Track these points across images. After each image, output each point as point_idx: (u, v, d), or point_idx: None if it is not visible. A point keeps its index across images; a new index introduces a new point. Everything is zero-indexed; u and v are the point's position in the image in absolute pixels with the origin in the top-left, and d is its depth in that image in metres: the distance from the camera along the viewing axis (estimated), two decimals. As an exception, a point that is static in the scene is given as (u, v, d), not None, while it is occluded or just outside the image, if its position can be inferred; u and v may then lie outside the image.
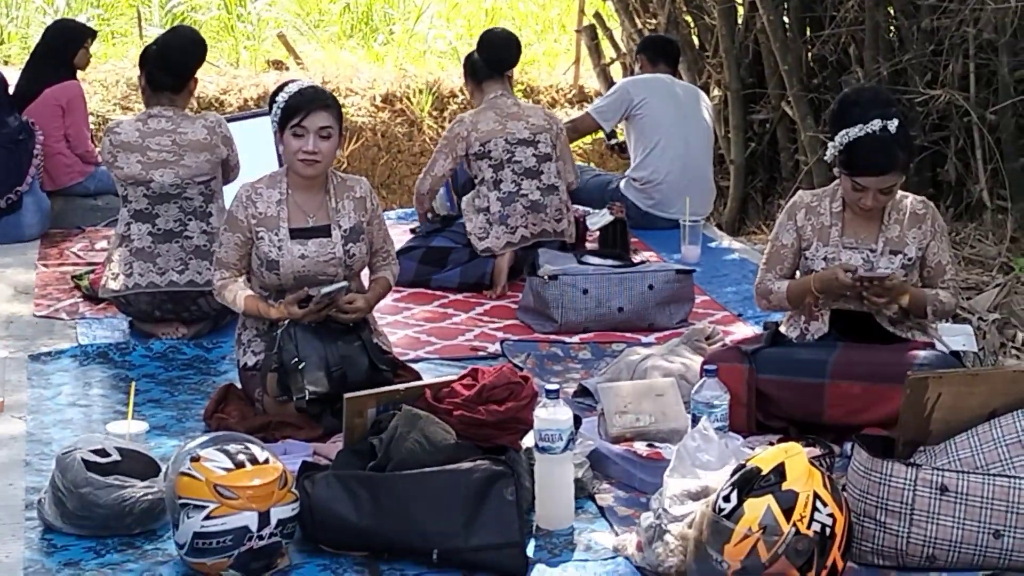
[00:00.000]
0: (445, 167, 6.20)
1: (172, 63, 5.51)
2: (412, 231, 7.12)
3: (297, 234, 4.57)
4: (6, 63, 10.13)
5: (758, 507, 3.27)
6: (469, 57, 6.42)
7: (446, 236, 6.24)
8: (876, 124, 4.32)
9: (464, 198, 6.26)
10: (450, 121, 10.15)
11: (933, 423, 3.68)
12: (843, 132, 4.36)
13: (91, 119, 7.95)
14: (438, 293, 6.11)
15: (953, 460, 3.60)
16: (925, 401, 3.66)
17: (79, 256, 6.64)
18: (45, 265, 6.50)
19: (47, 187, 7.18)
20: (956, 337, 4.99)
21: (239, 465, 3.50)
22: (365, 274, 4.79)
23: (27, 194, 6.93)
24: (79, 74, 7.49)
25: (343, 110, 4.71)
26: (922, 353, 4.30)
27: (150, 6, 11.64)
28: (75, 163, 7.31)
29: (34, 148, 6.95)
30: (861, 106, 4.40)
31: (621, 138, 7.82)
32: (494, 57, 6.30)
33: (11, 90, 7.18)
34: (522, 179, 6.12)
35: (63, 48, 7.30)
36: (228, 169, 5.60)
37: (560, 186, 6.21)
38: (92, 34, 7.55)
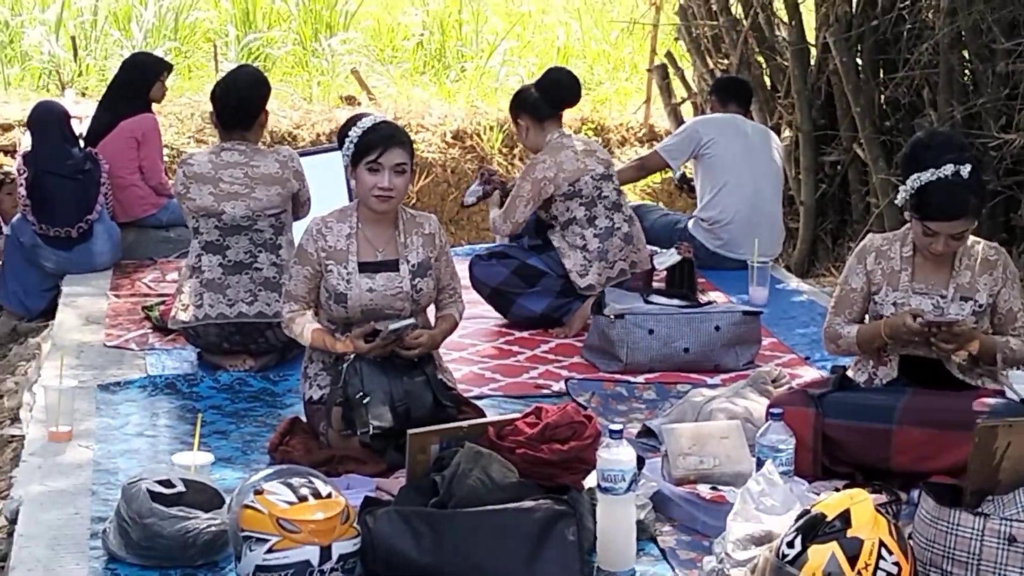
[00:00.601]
0: (526, 213, 6.16)
1: (237, 103, 5.58)
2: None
3: (366, 268, 4.60)
4: (83, 95, 10.28)
5: (822, 554, 3.24)
6: (526, 95, 6.29)
7: (543, 259, 6.17)
8: (948, 169, 4.28)
9: (555, 237, 6.20)
10: (521, 159, 10.22)
11: (1002, 472, 3.63)
12: (915, 176, 4.32)
13: (165, 152, 8.06)
14: (503, 330, 6.11)
15: (1022, 510, 3.55)
16: (994, 450, 3.61)
17: (150, 287, 6.71)
18: (116, 295, 6.58)
19: (120, 218, 7.28)
20: (1027, 385, 4.92)
21: (302, 499, 3.51)
22: (431, 310, 4.81)
23: (97, 223, 7.02)
24: (155, 107, 7.59)
25: (414, 146, 4.74)
26: (992, 401, 4.25)
27: (227, 41, 11.78)
28: (148, 195, 7.40)
29: (100, 178, 7.04)
30: (933, 150, 4.36)
31: (690, 176, 7.81)
32: (560, 97, 6.28)
33: (86, 123, 7.28)
34: (612, 213, 6.12)
35: (139, 81, 7.41)
36: (299, 205, 5.64)
37: (634, 216, 6.25)
38: (168, 68, 7.65)
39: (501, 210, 6.25)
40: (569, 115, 10.79)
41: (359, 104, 10.58)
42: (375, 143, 4.52)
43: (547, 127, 6.21)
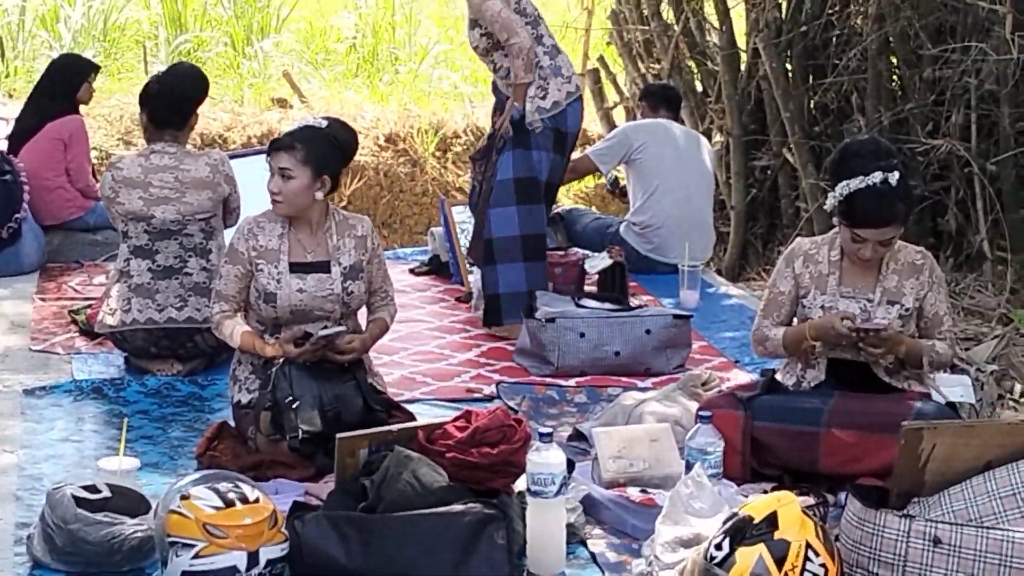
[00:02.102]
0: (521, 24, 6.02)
1: (174, 100, 5.52)
2: (411, 271, 7.14)
3: (296, 268, 4.59)
4: (10, 96, 10.16)
5: (750, 556, 3.26)
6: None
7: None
8: (877, 176, 4.32)
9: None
10: (453, 163, 10.22)
11: (928, 474, 3.67)
12: (843, 183, 4.35)
13: (93, 154, 7.97)
14: (435, 334, 6.10)
15: (947, 512, 3.59)
16: (920, 452, 3.65)
17: (77, 291, 6.64)
18: (42, 299, 6.50)
19: (46, 221, 7.19)
20: (953, 388, 4.98)
21: (229, 504, 3.49)
22: (362, 313, 4.79)
23: (24, 223, 6.94)
24: (82, 109, 7.50)
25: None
26: (918, 404, 4.29)
27: (156, 42, 11.68)
28: (75, 197, 7.32)
29: (21, 177, 6.95)
30: (862, 157, 4.39)
31: (622, 182, 7.83)
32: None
33: (12, 124, 7.17)
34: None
35: (67, 83, 7.32)
36: (228, 211, 5.59)
37: None
38: (95, 69, 7.57)
39: (508, 48, 5.96)
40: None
41: (291, 107, 10.53)
42: (270, 146, 4.58)
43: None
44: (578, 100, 6.08)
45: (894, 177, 4.33)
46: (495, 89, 6.27)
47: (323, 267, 4.61)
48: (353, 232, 4.68)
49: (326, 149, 4.57)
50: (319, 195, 4.57)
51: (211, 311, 4.69)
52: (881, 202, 4.30)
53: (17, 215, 6.89)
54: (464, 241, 6.87)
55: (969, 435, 3.71)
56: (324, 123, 4.64)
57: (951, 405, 4.45)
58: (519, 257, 5.99)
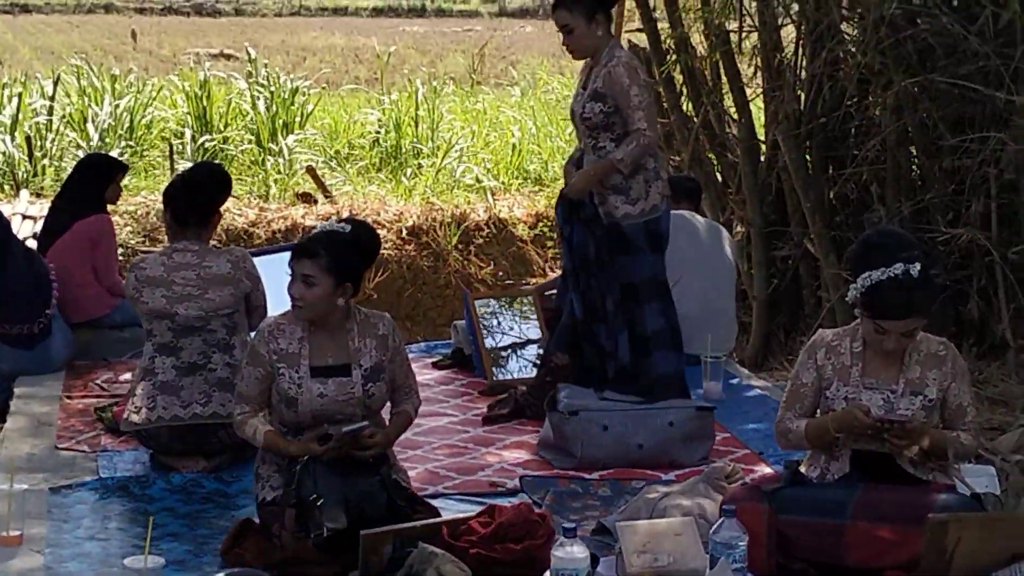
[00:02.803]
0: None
1: (196, 199, 5.60)
2: (434, 364, 7.17)
3: (317, 372, 4.60)
4: (39, 196, 10.29)
5: (775, 652, 3.24)
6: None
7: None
8: (899, 268, 4.33)
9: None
10: (475, 255, 10.29)
11: (954, 566, 3.66)
12: (865, 275, 4.37)
13: (120, 251, 8.05)
14: (458, 427, 6.11)
15: (974, 605, 3.57)
16: (946, 544, 3.65)
17: (103, 388, 6.67)
18: (68, 397, 6.52)
19: (74, 318, 7.24)
20: (978, 479, 4.95)
21: (254, 602, 3.49)
22: (386, 409, 4.81)
23: (54, 320, 7.00)
24: (109, 207, 7.59)
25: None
26: (943, 496, 4.27)
27: (183, 140, 11.83)
28: (102, 295, 7.38)
29: (50, 274, 7.01)
30: (883, 249, 4.41)
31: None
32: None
33: (40, 223, 7.24)
34: None
35: (94, 182, 7.41)
36: (252, 309, 5.63)
37: None
38: (123, 168, 7.67)
39: (638, 136, 5.90)
40: (523, 211, 10.93)
41: (315, 202, 10.64)
42: (293, 251, 4.60)
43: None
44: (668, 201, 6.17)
45: (916, 269, 4.34)
46: (573, 168, 6.22)
47: (344, 370, 4.63)
48: (375, 331, 4.70)
49: (349, 255, 4.59)
50: (341, 301, 4.59)
51: (233, 411, 4.71)
52: (903, 294, 4.31)
53: (48, 311, 6.95)
54: (487, 335, 6.90)
55: (995, 527, 3.71)
56: (347, 228, 4.66)
57: (976, 496, 4.43)
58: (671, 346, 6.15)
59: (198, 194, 5.62)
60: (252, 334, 5.22)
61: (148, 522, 4.26)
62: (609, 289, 6.07)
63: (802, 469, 4.59)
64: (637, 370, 6.08)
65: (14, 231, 7.32)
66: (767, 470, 5.38)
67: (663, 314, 6.17)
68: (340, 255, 4.55)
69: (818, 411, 4.59)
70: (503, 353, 6.89)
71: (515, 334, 6.96)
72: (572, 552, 3.70)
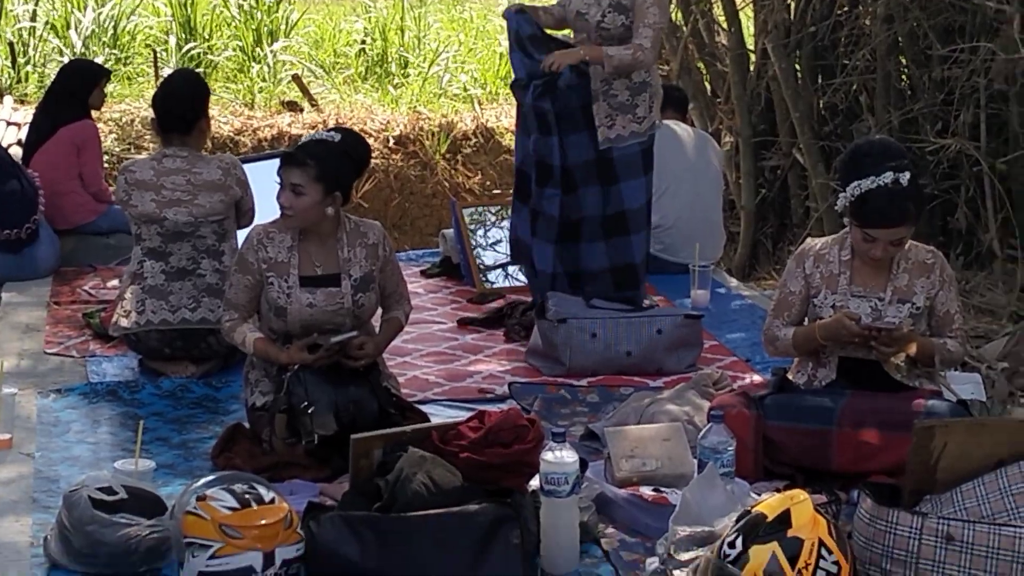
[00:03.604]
0: None
1: (174, 106, 5.56)
2: (423, 272, 7.16)
3: (307, 282, 4.59)
4: (22, 102, 10.20)
5: (763, 554, 3.27)
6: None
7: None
8: (888, 177, 4.33)
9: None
10: (463, 164, 10.25)
11: (939, 472, 3.68)
12: (855, 184, 4.36)
13: (106, 158, 8.00)
14: (448, 335, 6.12)
15: (959, 509, 3.59)
16: (932, 450, 3.66)
17: (91, 294, 6.67)
18: (57, 303, 6.52)
19: (60, 225, 7.22)
20: (964, 386, 4.99)
21: (245, 505, 3.51)
22: (377, 313, 4.81)
23: (41, 227, 6.98)
24: (94, 114, 7.54)
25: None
26: (929, 402, 4.30)
27: (167, 48, 11.72)
28: (88, 202, 7.35)
29: (35, 180, 6.98)
30: (873, 158, 4.41)
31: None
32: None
33: (24, 130, 7.19)
34: None
35: (78, 88, 7.35)
36: (241, 213, 5.62)
37: None
38: (107, 74, 7.61)
39: (639, 50, 5.74)
40: (511, 120, 10.86)
41: (301, 111, 10.57)
42: (283, 160, 4.57)
43: None
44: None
45: (905, 177, 4.34)
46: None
47: (333, 280, 4.61)
48: (364, 241, 4.68)
49: (338, 164, 4.55)
50: (330, 211, 4.57)
51: (222, 318, 4.71)
52: (892, 202, 4.31)
53: (35, 216, 6.93)
54: (475, 242, 6.89)
55: (981, 433, 3.72)
56: (337, 136, 4.62)
57: (962, 403, 4.46)
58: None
59: (174, 102, 5.59)
60: (241, 232, 5.21)
61: (138, 426, 4.28)
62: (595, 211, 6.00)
63: (789, 376, 4.61)
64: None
65: None
66: (754, 377, 5.41)
67: (647, 241, 6.14)
68: (329, 164, 4.52)
69: (806, 319, 4.61)
70: (490, 261, 6.89)
71: (503, 242, 6.95)
72: (561, 456, 3.72)
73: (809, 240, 4.68)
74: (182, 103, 5.59)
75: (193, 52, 11.65)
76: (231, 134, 9.76)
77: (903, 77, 7.99)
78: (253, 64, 11.64)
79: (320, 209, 4.54)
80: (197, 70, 10.45)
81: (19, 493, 4.27)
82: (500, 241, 6.97)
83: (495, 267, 6.90)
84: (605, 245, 5.99)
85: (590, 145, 5.86)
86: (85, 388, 5.25)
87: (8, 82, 10.75)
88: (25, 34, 11.42)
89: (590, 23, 5.89)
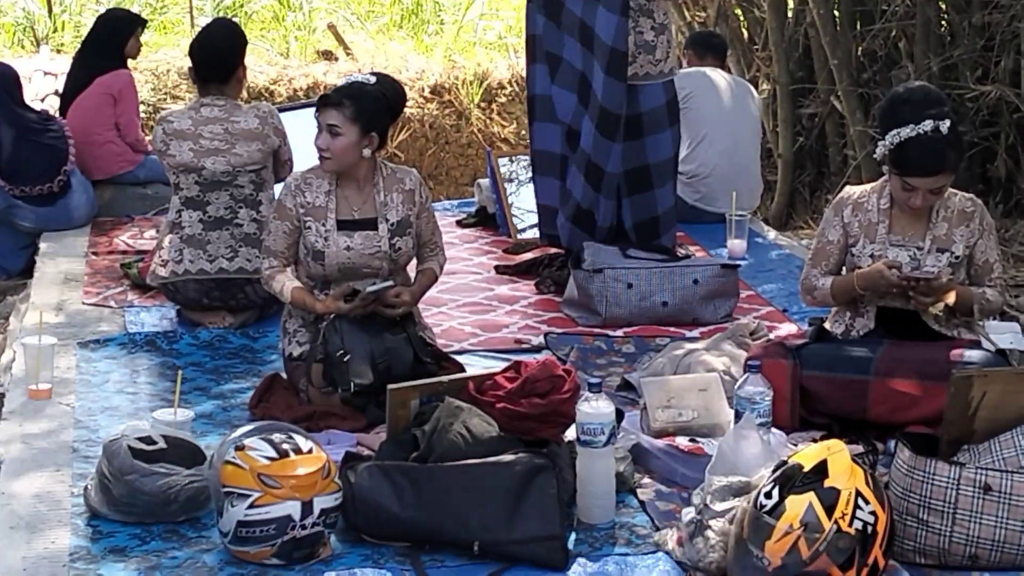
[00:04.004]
0: None
1: (211, 56, 5.57)
2: (458, 223, 7.16)
3: (344, 226, 4.61)
4: (58, 52, 10.21)
5: (800, 504, 3.27)
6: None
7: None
8: (928, 124, 4.30)
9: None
10: (498, 114, 10.21)
11: (977, 422, 3.66)
12: (894, 132, 4.33)
13: (141, 108, 8.01)
14: (483, 285, 6.12)
15: (997, 459, 3.58)
16: (970, 399, 3.65)
17: (128, 244, 6.70)
18: (95, 253, 6.56)
19: (97, 175, 7.25)
20: (1003, 335, 4.96)
21: (283, 455, 3.53)
22: (412, 263, 4.82)
23: (73, 176, 7.01)
24: (130, 63, 7.55)
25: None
26: (968, 352, 4.28)
27: (202, -4, 11.70)
28: (125, 151, 7.37)
29: (65, 131, 7.01)
30: (913, 105, 4.37)
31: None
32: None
33: (61, 79, 7.21)
34: None
35: (114, 37, 7.36)
36: (280, 164, 5.62)
37: None
38: (143, 23, 7.61)
39: None
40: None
41: (336, 59, 10.54)
42: (319, 102, 4.59)
43: None
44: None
45: (945, 125, 4.30)
46: None
47: (370, 224, 4.63)
48: (401, 187, 4.69)
49: (375, 106, 4.57)
50: (367, 152, 4.59)
51: (261, 266, 4.73)
52: (932, 150, 4.28)
53: (65, 168, 6.96)
54: (512, 190, 6.87)
55: (1019, 382, 3.70)
56: (373, 79, 4.65)
57: (1001, 352, 4.44)
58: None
59: (212, 51, 5.59)
60: (279, 186, 5.22)
61: (177, 376, 4.31)
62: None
63: (826, 326, 4.60)
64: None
65: (30, 91, 7.28)
66: (791, 327, 5.39)
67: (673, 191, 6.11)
68: (365, 104, 4.54)
69: (843, 268, 4.59)
70: (527, 211, 6.87)
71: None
72: (598, 407, 3.72)
73: (847, 189, 4.65)
74: (220, 52, 5.59)
75: (229, 1, 11.63)
76: (267, 84, 9.74)
77: (942, 23, 7.90)
78: (288, 13, 11.62)
79: (357, 150, 4.56)
80: (232, 19, 10.44)
81: (59, 443, 4.30)
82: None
83: (530, 221, 6.89)
84: (629, 201, 5.96)
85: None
86: (124, 338, 5.28)
87: (45, 32, 10.77)
88: (60, -17, 11.43)
89: None
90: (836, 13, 8.19)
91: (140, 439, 3.83)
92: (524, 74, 10.41)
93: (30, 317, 5.51)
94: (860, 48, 8.26)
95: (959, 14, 7.57)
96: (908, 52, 7.85)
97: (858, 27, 8.27)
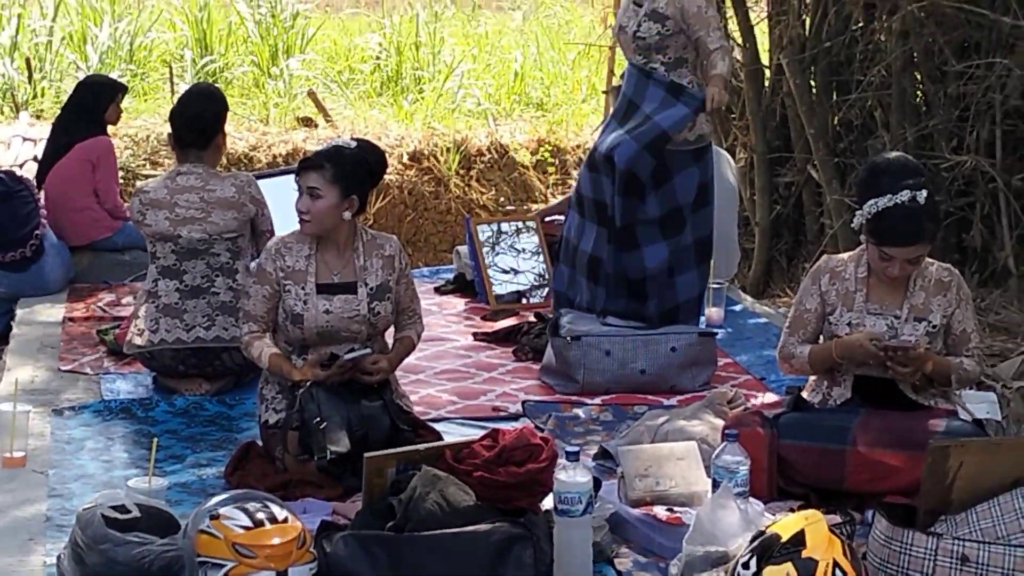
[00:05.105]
0: None
1: (192, 120, 5.57)
2: (436, 289, 7.16)
3: (324, 289, 4.61)
4: (38, 117, 10.23)
5: (778, 574, 3.26)
6: None
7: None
8: (905, 195, 4.32)
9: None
10: (476, 180, 10.25)
11: (955, 492, 3.67)
12: (872, 201, 4.35)
13: (120, 174, 8.01)
14: (461, 352, 6.11)
15: (974, 530, 3.58)
16: (947, 470, 3.65)
17: (105, 311, 6.67)
18: (71, 319, 6.53)
19: (74, 241, 7.23)
20: (980, 405, 4.97)
21: (258, 524, 3.50)
22: (390, 331, 4.81)
23: (47, 241, 6.98)
24: (110, 129, 7.55)
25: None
26: (945, 421, 4.29)
27: (182, 63, 11.75)
28: (103, 218, 7.37)
29: (34, 193, 7.00)
30: (890, 175, 4.40)
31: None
32: None
33: (40, 145, 7.21)
34: None
35: (94, 103, 7.37)
36: (259, 234, 5.60)
37: None
38: (123, 89, 7.63)
39: (725, 52, 5.90)
40: (525, 137, 10.89)
41: (316, 126, 10.58)
42: (299, 166, 4.62)
43: None
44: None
45: (922, 196, 4.33)
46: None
47: (350, 288, 4.63)
48: (381, 252, 4.70)
49: (355, 169, 4.59)
50: (347, 215, 4.60)
51: (240, 331, 4.72)
52: (909, 221, 4.30)
53: (37, 232, 6.93)
54: (490, 259, 6.88)
55: (996, 453, 3.71)
56: (353, 144, 4.67)
57: (978, 422, 4.44)
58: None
59: (192, 116, 5.60)
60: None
61: (151, 444, 4.28)
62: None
63: (804, 395, 4.60)
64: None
65: (8, 156, 7.28)
66: (769, 396, 5.40)
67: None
68: (346, 168, 4.57)
69: (821, 337, 4.59)
70: (505, 278, 6.88)
71: (517, 259, 6.95)
72: (575, 475, 3.71)
73: (825, 257, 4.67)
74: (201, 118, 5.60)
75: (209, 67, 11.68)
76: (246, 150, 9.77)
77: (918, 93, 7.97)
78: (268, 80, 11.67)
79: (337, 213, 4.57)
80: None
81: (32, 512, 4.26)
82: (514, 254, 6.97)
83: (508, 273, 6.90)
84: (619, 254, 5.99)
85: None
86: (99, 405, 5.25)
87: (25, 97, 10.78)
88: (42, 49, 11.45)
89: (628, 34, 5.95)
90: (812, 83, 8.26)
91: (114, 508, 3.79)
92: (502, 140, 10.55)
93: (5, 384, 5.47)
94: (836, 118, 8.33)
95: (934, 85, 7.64)
96: (884, 122, 7.91)
97: (834, 97, 8.34)
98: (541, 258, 6.96)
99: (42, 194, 7.09)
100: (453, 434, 4.81)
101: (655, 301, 5.96)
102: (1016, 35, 7.10)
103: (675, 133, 5.88)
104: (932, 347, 4.42)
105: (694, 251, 6.05)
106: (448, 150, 10.25)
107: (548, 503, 3.90)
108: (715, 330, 6.00)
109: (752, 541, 3.37)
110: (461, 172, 10.28)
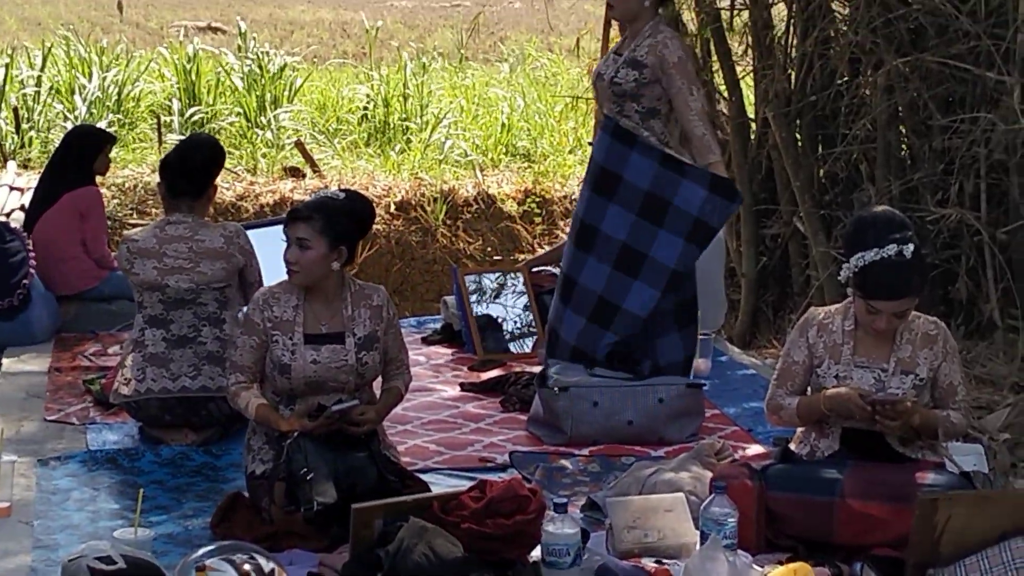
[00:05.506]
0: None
1: (190, 170, 5.58)
2: (423, 340, 7.16)
3: (311, 339, 4.61)
4: (26, 167, 10.24)
5: (766, 628, 3.25)
6: None
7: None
8: (892, 249, 4.34)
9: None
10: (463, 230, 10.28)
11: (943, 545, 3.67)
12: (858, 255, 4.37)
13: (108, 224, 8.01)
14: (448, 403, 6.11)
15: (963, 583, 3.58)
16: (935, 522, 3.65)
17: (91, 360, 6.66)
18: (57, 369, 6.51)
19: (61, 291, 7.22)
20: (967, 457, 4.97)
21: (244, 575, 3.48)
22: (377, 381, 4.81)
23: (34, 291, 6.97)
24: (98, 179, 7.56)
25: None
26: (932, 474, 4.29)
27: (170, 114, 11.79)
28: (91, 268, 7.36)
29: (25, 242, 6.99)
30: (877, 229, 4.42)
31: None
32: None
33: (28, 195, 7.21)
34: None
35: (82, 153, 7.38)
36: (247, 284, 5.60)
37: None
38: (111, 140, 7.64)
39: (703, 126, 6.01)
40: (512, 187, 10.93)
41: (303, 176, 10.62)
42: (287, 216, 4.64)
43: None
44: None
45: (909, 249, 4.35)
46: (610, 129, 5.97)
47: (337, 338, 4.64)
48: (368, 302, 4.71)
49: (344, 220, 4.61)
50: (335, 266, 4.61)
51: (227, 382, 4.72)
52: (896, 275, 4.32)
53: (25, 281, 6.92)
54: (478, 309, 6.89)
55: (984, 505, 3.72)
56: (342, 195, 4.69)
57: (965, 475, 4.44)
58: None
59: (191, 165, 5.61)
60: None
61: (137, 495, 4.26)
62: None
63: (792, 447, 4.60)
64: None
65: None
66: (756, 448, 5.39)
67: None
68: (334, 218, 4.58)
69: (808, 389, 4.60)
70: (492, 328, 6.89)
71: (504, 309, 6.96)
72: (563, 527, 3.71)
73: (812, 309, 4.68)
74: (199, 168, 5.60)
75: (197, 118, 11.72)
76: (233, 200, 9.80)
77: (903, 147, 8.02)
78: (256, 130, 11.71)
79: (326, 263, 4.58)
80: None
81: (17, 562, 4.24)
82: (502, 304, 6.98)
83: (496, 323, 6.90)
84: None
85: None
86: (85, 456, 5.23)
87: (12, 147, 10.81)
88: (30, 99, 11.50)
89: (604, 81, 6.00)
90: (798, 136, 8.31)
91: (100, 559, 3.77)
92: (489, 190, 10.59)
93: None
94: (822, 171, 8.37)
95: (919, 138, 7.68)
96: (869, 175, 7.96)
97: (820, 150, 8.39)
98: (529, 309, 6.97)
99: (30, 243, 7.08)
100: (441, 485, 4.80)
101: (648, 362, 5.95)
102: (1000, 90, 7.15)
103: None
104: (919, 400, 4.43)
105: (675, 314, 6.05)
106: (435, 200, 10.29)
107: (536, 555, 3.90)
108: (702, 381, 6.00)
109: (741, 594, 3.37)
110: (448, 222, 10.31)
